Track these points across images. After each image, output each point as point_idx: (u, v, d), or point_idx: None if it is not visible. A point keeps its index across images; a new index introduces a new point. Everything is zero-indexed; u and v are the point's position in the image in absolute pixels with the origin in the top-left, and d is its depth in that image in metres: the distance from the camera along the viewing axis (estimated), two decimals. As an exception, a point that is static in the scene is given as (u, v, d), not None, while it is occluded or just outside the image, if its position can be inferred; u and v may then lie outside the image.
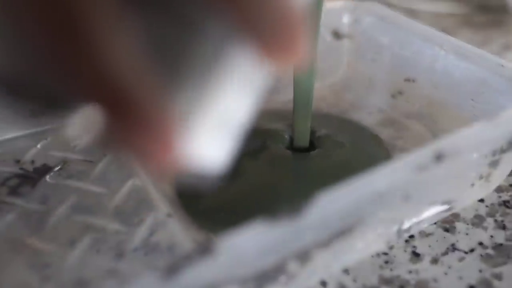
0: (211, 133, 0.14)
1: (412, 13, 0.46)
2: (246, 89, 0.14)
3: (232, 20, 0.12)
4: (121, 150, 0.13)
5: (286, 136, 0.28)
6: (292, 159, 0.26)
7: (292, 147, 0.27)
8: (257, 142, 0.27)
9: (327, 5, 0.32)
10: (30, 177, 0.24)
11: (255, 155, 0.27)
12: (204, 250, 0.15)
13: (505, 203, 0.24)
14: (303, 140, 0.27)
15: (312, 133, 0.27)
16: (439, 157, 0.18)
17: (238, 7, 0.12)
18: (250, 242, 0.15)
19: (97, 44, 0.11)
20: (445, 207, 0.23)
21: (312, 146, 0.27)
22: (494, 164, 0.22)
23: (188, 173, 0.14)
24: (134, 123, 0.12)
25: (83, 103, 0.12)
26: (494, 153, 0.21)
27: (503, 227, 0.23)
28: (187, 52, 0.13)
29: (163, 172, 0.13)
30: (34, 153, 0.26)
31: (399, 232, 0.22)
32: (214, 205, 0.24)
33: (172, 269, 0.15)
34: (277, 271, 0.18)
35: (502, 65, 0.24)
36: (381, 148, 0.28)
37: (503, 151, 0.21)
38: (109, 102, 0.11)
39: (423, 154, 0.18)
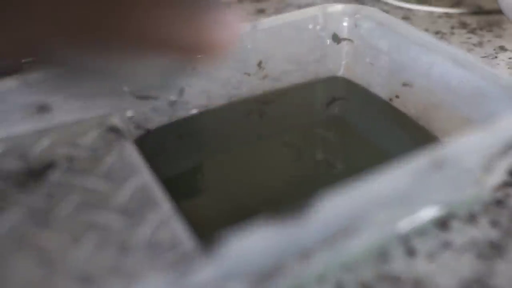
0: None
1: (408, 12, 0.46)
2: None
3: None
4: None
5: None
6: None
7: None
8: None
9: (328, 9, 0.32)
10: (35, 174, 0.24)
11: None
12: (210, 249, 0.15)
13: (499, 202, 0.25)
14: None
15: None
16: (437, 164, 0.19)
17: None
18: (255, 242, 0.16)
19: None
20: (439, 209, 0.23)
21: None
22: (488, 169, 0.23)
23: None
24: None
25: None
26: (488, 160, 0.22)
27: (497, 225, 0.24)
28: None
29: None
30: (40, 149, 0.25)
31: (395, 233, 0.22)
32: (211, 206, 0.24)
33: (179, 268, 0.15)
34: (277, 268, 0.18)
35: (497, 75, 0.25)
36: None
37: (497, 157, 0.22)
38: None
39: (421, 161, 0.19)
